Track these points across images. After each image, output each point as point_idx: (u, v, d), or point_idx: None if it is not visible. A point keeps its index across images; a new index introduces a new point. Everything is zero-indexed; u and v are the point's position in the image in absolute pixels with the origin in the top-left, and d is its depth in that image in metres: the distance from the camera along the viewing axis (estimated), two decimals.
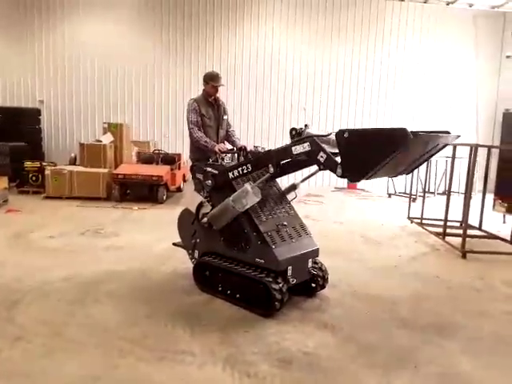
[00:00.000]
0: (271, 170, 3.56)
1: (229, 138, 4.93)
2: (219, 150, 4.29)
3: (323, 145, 3.35)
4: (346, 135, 3.00)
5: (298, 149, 3.36)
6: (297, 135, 3.76)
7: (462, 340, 3.28)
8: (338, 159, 3.17)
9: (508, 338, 3.36)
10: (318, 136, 3.40)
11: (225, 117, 4.86)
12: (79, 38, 11.82)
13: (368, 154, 2.92)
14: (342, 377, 2.73)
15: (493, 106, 12.56)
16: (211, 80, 4.63)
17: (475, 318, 3.72)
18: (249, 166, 3.69)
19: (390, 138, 2.82)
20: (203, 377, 2.67)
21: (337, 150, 3.19)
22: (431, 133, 3.33)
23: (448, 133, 3.38)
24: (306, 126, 3.77)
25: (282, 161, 3.59)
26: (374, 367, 2.83)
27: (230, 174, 3.79)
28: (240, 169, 3.73)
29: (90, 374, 2.65)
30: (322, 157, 3.24)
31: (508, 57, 12.01)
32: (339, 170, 3.12)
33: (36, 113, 11.46)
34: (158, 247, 5.41)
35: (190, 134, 4.58)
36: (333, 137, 3.32)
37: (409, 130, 2.74)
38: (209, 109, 4.69)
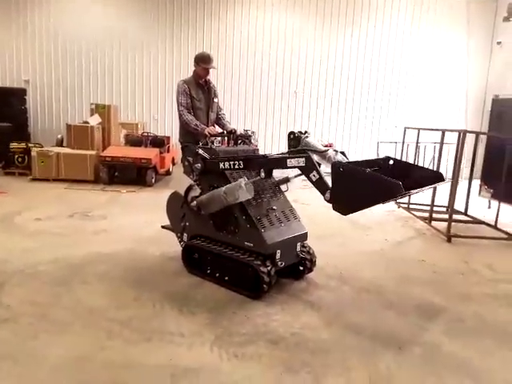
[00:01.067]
0: (262, 174, 3.56)
1: (219, 121, 4.88)
2: (209, 133, 4.26)
3: (321, 159, 3.45)
4: (341, 169, 3.04)
5: (292, 162, 3.37)
6: (294, 140, 3.80)
7: (445, 322, 3.36)
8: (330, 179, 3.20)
9: (490, 320, 3.45)
10: (315, 151, 3.42)
11: (215, 99, 4.79)
12: (66, 17, 11.54)
13: (359, 193, 3.00)
14: (329, 356, 2.78)
15: (482, 93, 12.59)
16: (202, 62, 4.56)
17: (459, 300, 3.80)
18: (241, 163, 3.67)
19: (385, 189, 2.86)
20: (192, 357, 2.70)
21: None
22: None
23: (442, 179, 3.44)
24: (306, 132, 3.82)
25: (274, 169, 3.59)
26: (359, 348, 2.89)
27: (221, 165, 3.77)
28: (232, 163, 3.71)
29: (77, 355, 2.66)
30: (314, 176, 3.30)
31: (499, 43, 12.01)
32: (327, 195, 3.19)
33: (21, 93, 11.20)
34: (146, 230, 5.40)
35: (180, 117, 4.52)
36: (330, 153, 3.46)
37: (401, 186, 2.76)
38: (199, 91, 4.63)
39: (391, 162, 3.60)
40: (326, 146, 3.87)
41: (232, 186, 3.55)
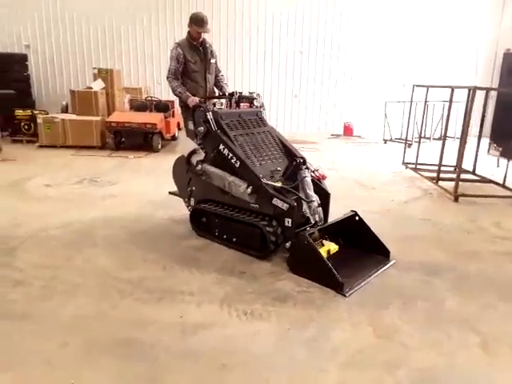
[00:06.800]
0: (248, 190, 3.55)
1: (217, 83, 4.80)
2: (190, 103, 4.19)
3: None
4: (305, 242, 3.21)
5: (277, 202, 3.41)
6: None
7: (449, 278, 3.41)
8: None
9: (494, 276, 3.49)
10: (298, 199, 3.50)
11: (212, 60, 4.66)
12: None
13: (309, 266, 3.24)
14: (335, 312, 2.85)
15: (494, 47, 12.15)
16: (196, 24, 4.42)
17: (464, 257, 3.84)
18: (237, 163, 3.65)
19: (328, 281, 3.12)
20: (201, 315, 2.78)
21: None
22: None
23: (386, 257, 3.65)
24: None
25: (259, 194, 3.57)
26: (365, 304, 2.96)
27: (220, 145, 3.76)
28: (230, 154, 3.70)
29: (90, 313, 2.76)
30: (288, 222, 3.41)
31: None
32: (288, 244, 3.42)
33: (22, 58, 11.01)
34: (154, 195, 5.45)
35: (168, 82, 4.50)
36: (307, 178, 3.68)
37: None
38: (194, 53, 4.52)
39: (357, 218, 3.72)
40: (318, 177, 3.90)
41: (239, 184, 3.63)
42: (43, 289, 3.06)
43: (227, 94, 4.62)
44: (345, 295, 3.04)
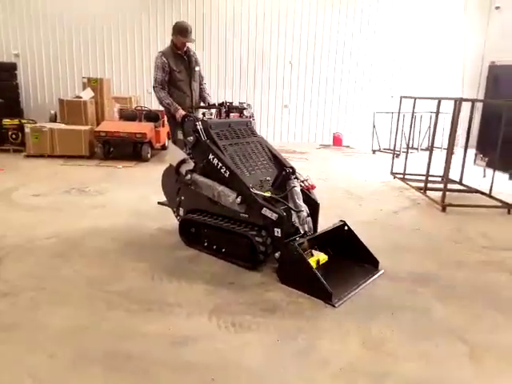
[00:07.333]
0: (238, 200, 3.56)
1: (201, 93, 4.83)
2: (178, 118, 4.23)
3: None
4: (294, 253, 3.21)
5: (267, 212, 3.41)
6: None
7: (437, 287, 3.44)
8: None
9: (481, 285, 3.53)
10: (287, 209, 3.51)
11: (197, 68, 4.69)
12: None
13: (299, 276, 3.26)
14: (324, 323, 2.86)
15: (479, 60, 12.40)
16: (180, 34, 4.43)
17: (451, 267, 3.88)
18: (227, 172, 3.66)
19: (317, 291, 3.14)
20: (190, 326, 2.76)
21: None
22: None
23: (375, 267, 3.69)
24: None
25: (249, 204, 3.58)
26: (353, 314, 2.96)
27: (210, 155, 3.76)
28: (220, 164, 3.70)
29: (78, 325, 2.73)
30: (277, 232, 3.42)
31: (497, 8, 11.76)
32: (277, 255, 3.43)
33: (12, 67, 10.98)
34: (143, 204, 5.42)
35: (154, 92, 4.51)
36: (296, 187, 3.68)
37: None
38: (178, 62, 4.53)
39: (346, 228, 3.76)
40: (308, 187, 3.92)
41: (228, 193, 3.63)
42: (30, 300, 3.02)
43: (217, 104, 4.64)
44: (334, 305, 3.04)
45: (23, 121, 9.21)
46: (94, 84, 9.75)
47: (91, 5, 11.32)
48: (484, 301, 3.25)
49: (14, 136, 9.07)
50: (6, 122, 9.06)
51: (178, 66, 4.50)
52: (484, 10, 12.16)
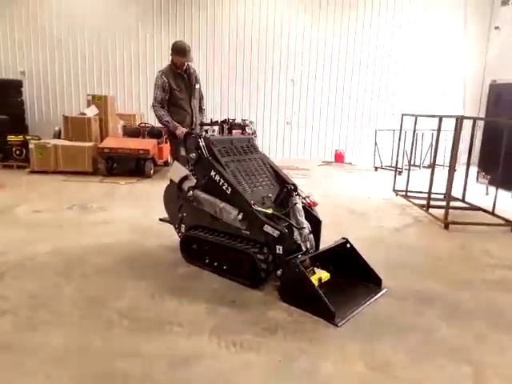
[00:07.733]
0: (239, 217, 3.55)
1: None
2: (180, 135, 4.27)
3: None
4: (296, 270, 3.21)
5: (268, 229, 3.40)
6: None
7: (441, 307, 3.39)
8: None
9: (485, 305, 3.48)
10: (289, 226, 3.49)
11: (197, 86, 4.73)
12: (62, 7, 11.39)
13: (301, 294, 3.23)
14: (326, 344, 2.81)
15: (480, 79, 12.53)
16: (178, 54, 4.50)
17: (455, 286, 3.83)
18: (229, 189, 3.66)
19: (319, 310, 3.10)
20: (190, 346, 2.72)
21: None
22: None
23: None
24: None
25: (250, 221, 3.58)
26: (356, 335, 2.92)
27: (212, 172, 3.76)
28: (222, 181, 3.69)
29: (77, 345, 2.69)
30: (278, 249, 3.40)
31: (497, 28, 11.91)
32: (279, 272, 3.39)
33: (18, 84, 11.13)
34: (145, 221, 5.42)
35: (154, 111, 4.54)
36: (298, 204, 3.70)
37: None
38: (178, 80, 4.58)
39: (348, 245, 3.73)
40: (310, 204, 3.94)
41: (230, 210, 3.61)
42: (29, 319, 2.99)
43: (219, 121, 4.68)
44: (337, 325, 3.00)
45: (28, 137, 9.30)
46: (99, 101, 9.87)
47: (97, 23, 11.54)
48: (488, 321, 3.20)
49: (17, 152, 9.14)
50: (11, 138, 9.15)
51: (178, 85, 4.56)
52: (484, 30, 12.33)
